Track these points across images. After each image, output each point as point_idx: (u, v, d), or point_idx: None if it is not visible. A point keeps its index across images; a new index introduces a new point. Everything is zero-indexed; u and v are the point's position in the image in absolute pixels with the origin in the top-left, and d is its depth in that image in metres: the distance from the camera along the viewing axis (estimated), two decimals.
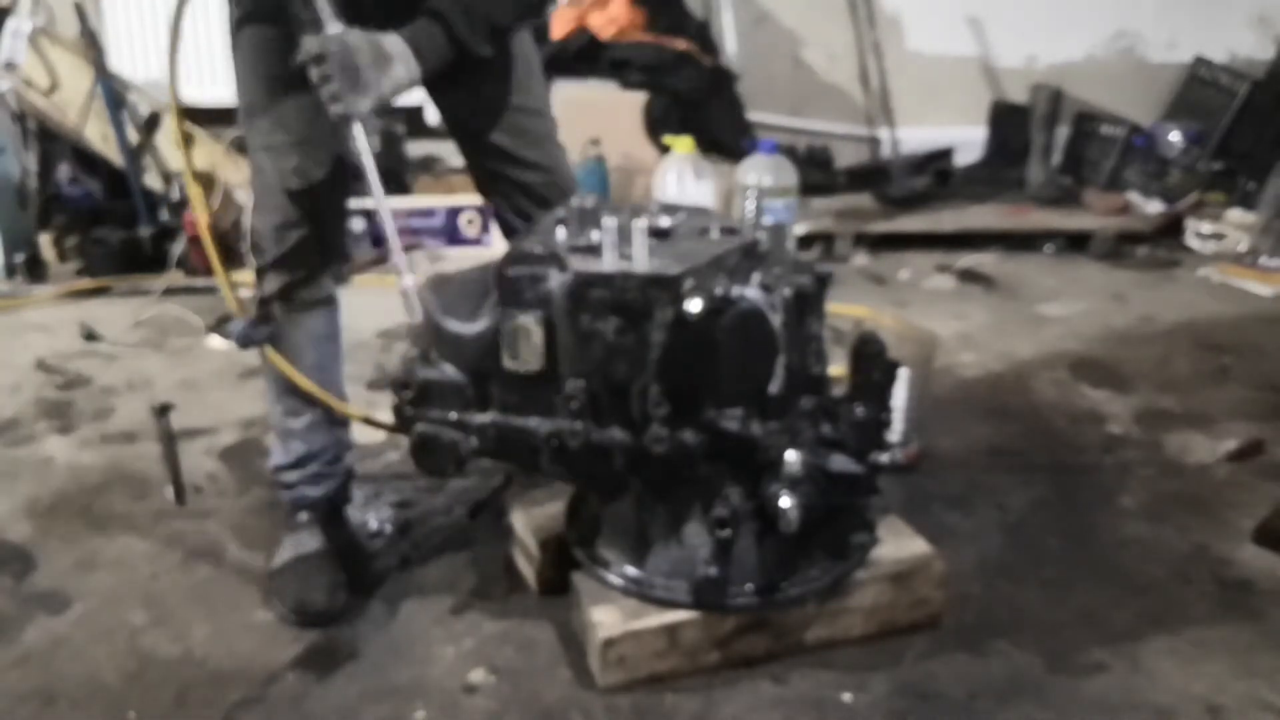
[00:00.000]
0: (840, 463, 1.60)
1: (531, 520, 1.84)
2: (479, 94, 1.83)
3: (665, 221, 1.66)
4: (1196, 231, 3.92)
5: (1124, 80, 4.52)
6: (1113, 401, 2.59)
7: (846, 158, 4.45)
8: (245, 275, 3.51)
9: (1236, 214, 3.90)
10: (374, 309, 3.26)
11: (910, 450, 2.19)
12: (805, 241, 3.77)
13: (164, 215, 3.71)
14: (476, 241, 3.82)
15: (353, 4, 1.61)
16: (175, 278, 3.46)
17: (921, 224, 3.93)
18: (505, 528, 1.92)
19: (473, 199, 3.31)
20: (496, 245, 3.43)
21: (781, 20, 4.43)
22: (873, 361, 1.73)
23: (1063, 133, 4.42)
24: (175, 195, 3.75)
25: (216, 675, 1.64)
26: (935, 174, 4.21)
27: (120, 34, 3.90)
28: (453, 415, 1.67)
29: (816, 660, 1.65)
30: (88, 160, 3.83)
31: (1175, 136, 4.24)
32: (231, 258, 3.61)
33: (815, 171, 4.16)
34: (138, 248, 3.59)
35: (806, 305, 1.63)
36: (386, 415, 1.79)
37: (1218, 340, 2.99)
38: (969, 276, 3.62)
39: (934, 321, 3.15)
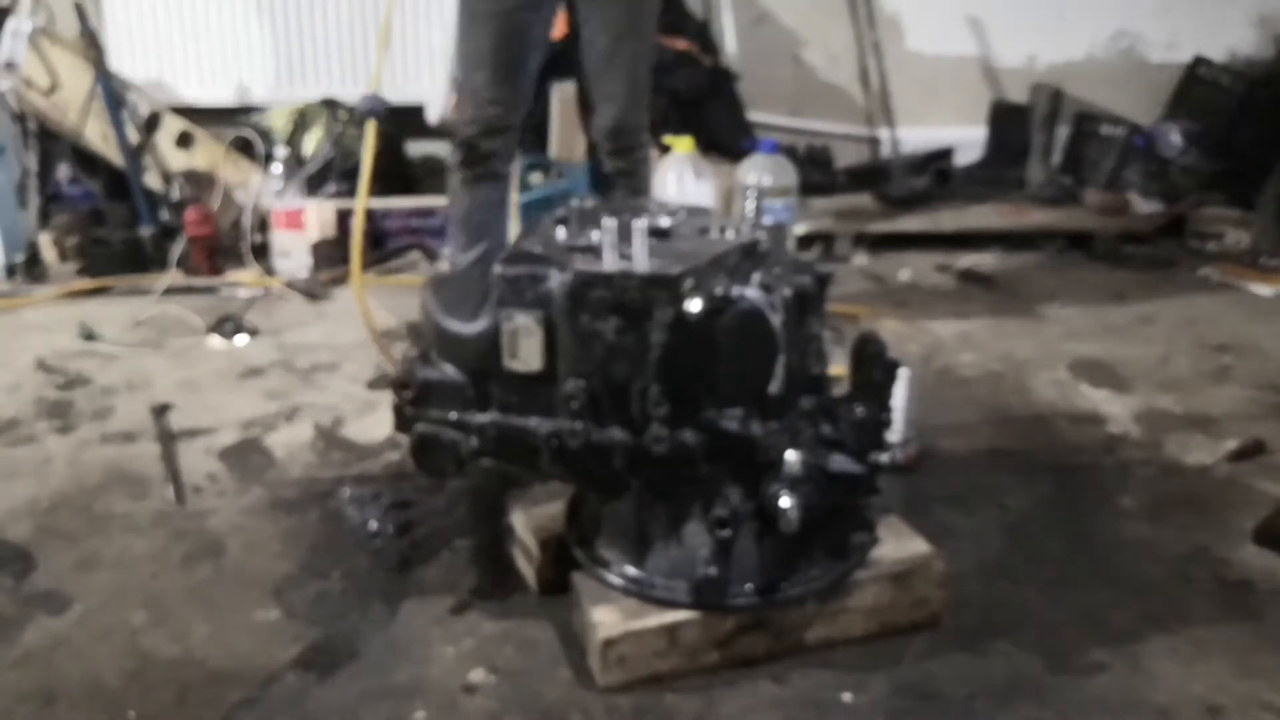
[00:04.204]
0: (840, 463, 1.60)
1: (531, 520, 1.84)
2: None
3: (665, 221, 1.66)
4: (1196, 231, 3.92)
5: (1124, 80, 4.52)
6: (1113, 401, 2.59)
7: (846, 158, 4.45)
8: (244, 275, 3.55)
9: (1236, 214, 3.90)
10: (373, 309, 3.27)
11: (910, 450, 2.19)
12: (805, 241, 3.77)
13: (164, 215, 3.71)
14: None
15: None
16: (175, 278, 3.46)
17: (921, 224, 3.93)
18: (505, 528, 1.92)
19: None
20: None
21: (781, 20, 4.43)
22: (873, 361, 1.73)
23: (1063, 133, 4.42)
24: (175, 195, 3.76)
25: (216, 675, 1.64)
26: (935, 174, 4.21)
27: (120, 34, 3.89)
28: (453, 415, 1.67)
29: (816, 660, 1.65)
30: (88, 160, 3.82)
31: (1175, 136, 4.24)
32: (231, 258, 3.66)
33: (815, 171, 4.16)
34: (138, 248, 3.59)
35: (806, 305, 1.63)
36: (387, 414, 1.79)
37: (1218, 340, 2.99)
38: (969, 276, 3.62)
39: (934, 321, 3.15)
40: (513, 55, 2.45)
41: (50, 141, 3.79)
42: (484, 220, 2.59)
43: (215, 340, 3.00)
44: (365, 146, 2.48)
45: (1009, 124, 4.48)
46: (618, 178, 2.67)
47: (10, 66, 3.58)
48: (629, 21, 2.51)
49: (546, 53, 2.56)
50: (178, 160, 3.81)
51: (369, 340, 2.79)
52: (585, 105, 2.68)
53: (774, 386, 1.58)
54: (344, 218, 3.75)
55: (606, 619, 1.60)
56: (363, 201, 2.51)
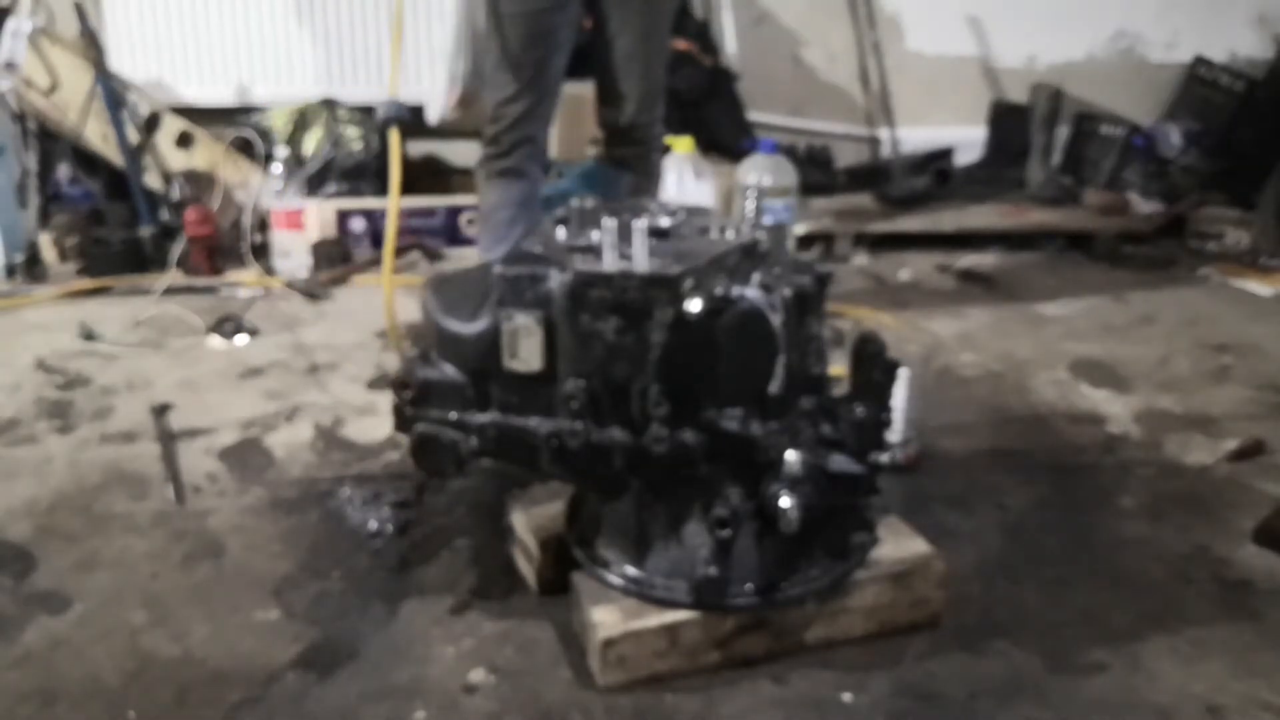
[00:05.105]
0: (840, 463, 1.60)
1: (531, 520, 1.84)
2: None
3: (665, 221, 1.66)
4: (1196, 231, 3.92)
5: (1124, 80, 4.52)
6: (1113, 401, 2.59)
7: (846, 158, 4.46)
8: (244, 275, 3.55)
9: (1236, 214, 3.90)
10: (374, 309, 3.27)
11: (910, 450, 2.19)
12: (805, 241, 3.78)
13: (164, 215, 3.71)
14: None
15: None
16: (175, 278, 3.46)
17: (921, 224, 3.94)
18: (505, 528, 1.92)
19: (473, 199, 3.30)
20: None
21: (781, 20, 4.43)
22: (873, 361, 1.73)
23: (1063, 133, 4.43)
24: (175, 195, 3.76)
25: (216, 675, 1.64)
26: (935, 174, 4.21)
27: (120, 34, 3.90)
28: (453, 415, 1.67)
29: (816, 660, 1.65)
30: (88, 160, 3.83)
31: (1175, 136, 4.25)
32: (231, 258, 3.66)
33: (815, 171, 4.16)
34: (138, 248, 3.59)
35: (806, 305, 1.63)
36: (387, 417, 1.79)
37: (1218, 340, 2.99)
38: (969, 276, 3.62)
39: (934, 321, 3.15)
40: (539, 55, 2.50)
41: (50, 141, 3.79)
42: (509, 219, 2.61)
43: (215, 340, 3.00)
44: (391, 155, 2.54)
45: (1009, 124, 4.48)
46: (629, 164, 2.76)
47: (10, 66, 3.58)
48: (649, 22, 2.61)
49: (571, 52, 2.59)
50: (178, 160, 3.81)
51: (388, 333, 2.78)
52: (600, 99, 2.73)
53: (774, 386, 1.58)
54: (344, 218, 3.76)
55: (606, 619, 1.60)
56: (394, 209, 2.54)
